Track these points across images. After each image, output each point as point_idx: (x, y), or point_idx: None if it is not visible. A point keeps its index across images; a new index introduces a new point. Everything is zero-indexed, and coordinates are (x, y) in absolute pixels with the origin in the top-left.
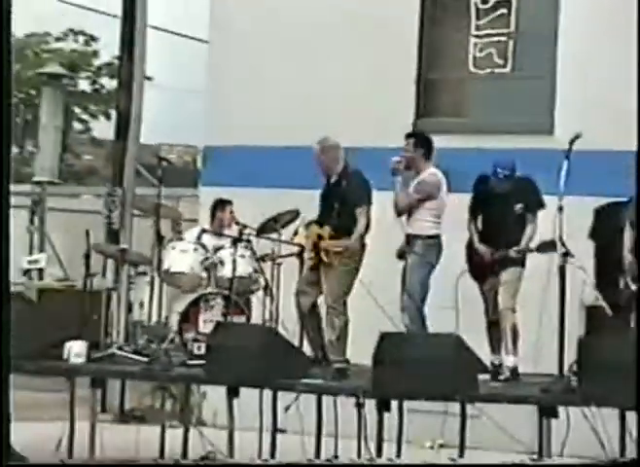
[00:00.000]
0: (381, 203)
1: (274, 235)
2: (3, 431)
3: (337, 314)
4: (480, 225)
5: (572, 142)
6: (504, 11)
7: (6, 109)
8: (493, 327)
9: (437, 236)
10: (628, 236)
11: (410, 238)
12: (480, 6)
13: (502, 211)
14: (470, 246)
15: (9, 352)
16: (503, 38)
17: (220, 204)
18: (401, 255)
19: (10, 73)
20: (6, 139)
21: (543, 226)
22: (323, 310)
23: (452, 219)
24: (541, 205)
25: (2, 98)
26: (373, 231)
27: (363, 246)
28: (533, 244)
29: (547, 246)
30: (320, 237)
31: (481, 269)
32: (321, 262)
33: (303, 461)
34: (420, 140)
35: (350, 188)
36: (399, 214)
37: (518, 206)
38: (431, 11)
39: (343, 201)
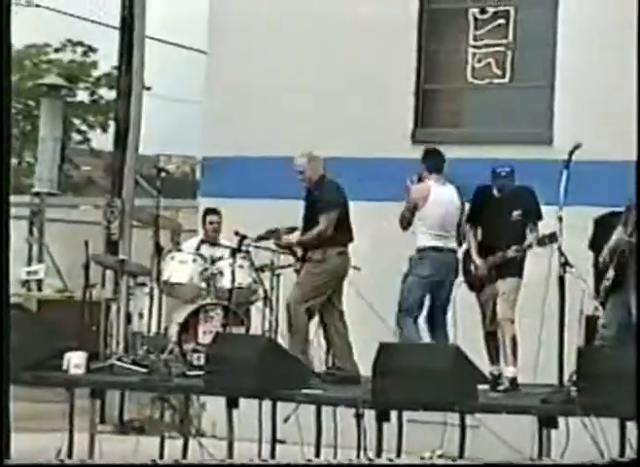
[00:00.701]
0: (381, 214)
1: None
2: (3, 431)
3: (294, 316)
4: (479, 235)
5: (572, 152)
6: (502, 21)
7: (6, 119)
8: (491, 337)
9: (429, 249)
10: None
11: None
12: (479, 16)
13: (501, 218)
14: (467, 257)
15: (9, 359)
16: (501, 48)
17: (204, 215)
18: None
19: (9, 81)
20: (6, 148)
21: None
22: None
23: None
24: (539, 216)
25: (2, 103)
26: (374, 241)
27: (340, 255)
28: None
29: (547, 239)
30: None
31: (479, 280)
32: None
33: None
34: (427, 155)
35: (319, 196)
36: (403, 229)
37: (516, 213)
38: (429, 21)
39: (312, 210)
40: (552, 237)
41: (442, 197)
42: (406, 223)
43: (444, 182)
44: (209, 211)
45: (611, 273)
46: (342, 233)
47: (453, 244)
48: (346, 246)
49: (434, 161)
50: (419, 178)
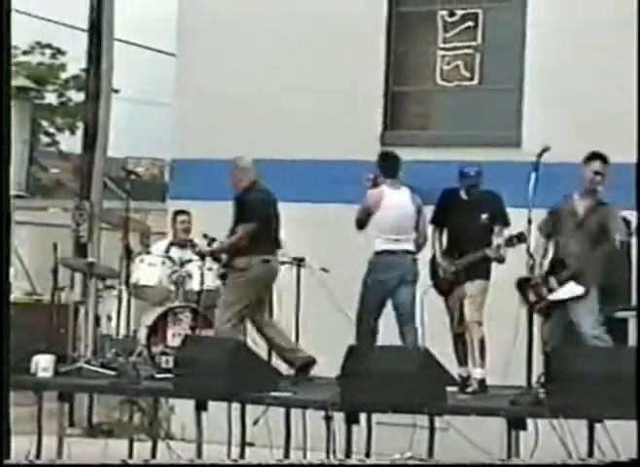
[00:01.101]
0: (350, 216)
1: None
2: (3, 432)
3: (225, 320)
4: (445, 238)
5: (540, 155)
6: (471, 24)
7: (6, 119)
8: (459, 340)
9: (384, 252)
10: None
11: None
12: (448, 19)
13: (468, 221)
14: (434, 261)
15: (9, 349)
16: (470, 51)
17: (174, 216)
18: None
19: (9, 83)
20: (5, 149)
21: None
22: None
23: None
24: (505, 220)
25: (2, 104)
26: (346, 245)
27: (263, 263)
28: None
29: (515, 239)
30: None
31: (446, 283)
32: None
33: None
34: (382, 159)
35: (242, 204)
36: (357, 227)
37: (484, 216)
38: (398, 24)
39: (235, 217)
40: (521, 237)
41: (395, 202)
42: (361, 225)
43: (399, 186)
44: (179, 212)
45: (576, 287)
46: (266, 240)
47: (409, 246)
48: (272, 254)
49: (389, 165)
50: (374, 182)
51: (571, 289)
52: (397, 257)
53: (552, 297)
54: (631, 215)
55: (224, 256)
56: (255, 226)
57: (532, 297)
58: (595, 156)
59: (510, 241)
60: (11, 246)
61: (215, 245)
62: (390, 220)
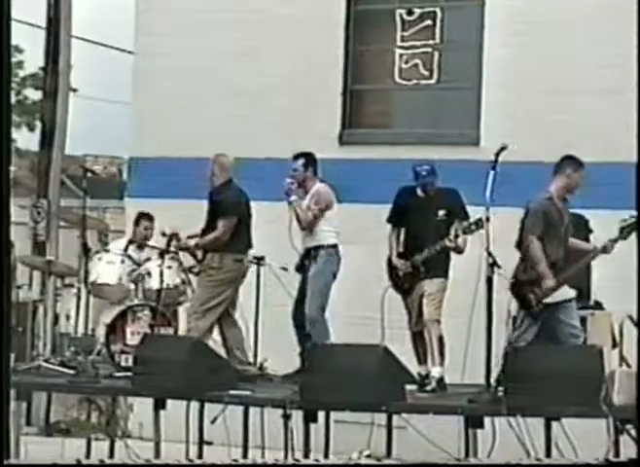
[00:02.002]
0: None
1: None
2: (3, 431)
3: (198, 318)
4: (402, 236)
5: (498, 153)
6: (429, 22)
7: (6, 118)
8: (418, 337)
9: (336, 246)
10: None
11: (312, 250)
12: (406, 17)
13: (426, 218)
14: (391, 260)
15: (9, 354)
16: (428, 49)
17: (137, 219)
18: (299, 268)
19: (9, 82)
20: (6, 148)
21: (469, 236)
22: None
23: (382, 231)
24: (466, 216)
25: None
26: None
27: (235, 262)
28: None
29: (473, 225)
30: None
31: (404, 281)
32: None
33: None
34: (309, 160)
35: (220, 200)
36: (304, 228)
37: (442, 213)
38: (356, 22)
39: (212, 213)
40: (478, 224)
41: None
42: (313, 224)
43: None
44: (143, 216)
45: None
46: (240, 239)
47: None
48: (244, 253)
49: (314, 163)
50: (302, 181)
51: (565, 292)
52: (338, 250)
53: (550, 299)
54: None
55: (199, 253)
56: (236, 220)
57: (532, 298)
58: (581, 162)
59: (468, 228)
60: (10, 244)
61: (192, 241)
62: (338, 215)
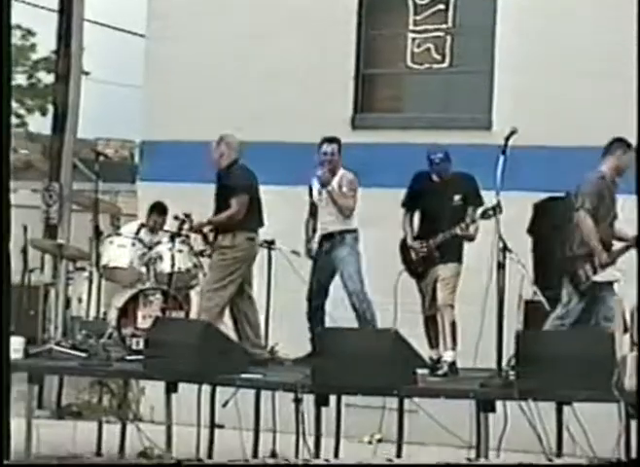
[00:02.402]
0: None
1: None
2: (3, 431)
3: (210, 299)
4: (417, 220)
5: (508, 138)
6: (441, 6)
7: (6, 117)
8: (430, 322)
9: (357, 230)
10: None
11: (338, 234)
12: (418, 1)
13: (441, 203)
14: (404, 244)
15: (9, 349)
16: (441, 33)
17: (151, 209)
18: (317, 252)
19: (10, 79)
20: (5, 146)
21: (480, 223)
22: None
23: (394, 215)
24: (480, 201)
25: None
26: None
27: (249, 240)
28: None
29: (491, 211)
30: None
31: (419, 265)
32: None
33: (241, 457)
34: (339, 144)
35: (229, 180)
36: (348, 216)
37: (457, 198)
38: (369, 6)
39: (223, 194)
40: (496, 209)
41: None
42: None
43: None
44: (158, 208)
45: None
46: (252, 218)
47: None
48: (256, 232)
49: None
50: (334, 167)
51: (612, 273)
52: None
53: (599, 278)
54: None
55: (210, 235)
56: (248, 198)
57: (582, 274)
58: (630, 145)
59: (485, 213)
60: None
61: (206, 219)
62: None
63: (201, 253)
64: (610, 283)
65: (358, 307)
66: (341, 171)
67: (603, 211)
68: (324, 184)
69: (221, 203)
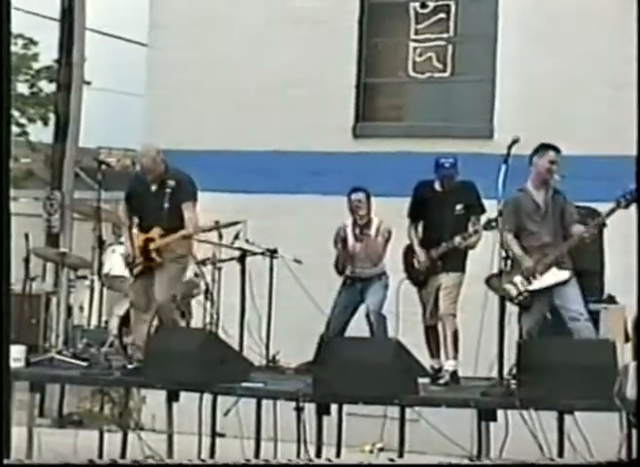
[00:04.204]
0: (321, 208)
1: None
2: (3, 431)
3: (171, 311)
4: (420, 230)
5: (510, 147)
6: (443, 15)
7: (6, 117)
8: (431, 331)
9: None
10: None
11: (368, 279)
12: (420, 10)
13: (444, 212)
14: (408, 252)
15: (9, 352)
16: (442, 42)
17: None
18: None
19: (9, 81)
20: (5, 147)
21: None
22: None
23: (394, 224)
24: (482, 209)
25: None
26: (319, 236)
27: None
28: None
29: (494, 222)
30: (149, 240)
31: (422, 274)
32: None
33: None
34: (367, 193)
35: (177, 187)
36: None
37: (459, 207)
38: (370, 15)
39: (172, 201)
40: (499, 220)
41: None
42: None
43: None
44: None
45: (562, 272)
46: None
47: None
48: None
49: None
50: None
51: (555, 274)
52: None
53: (538, 285)
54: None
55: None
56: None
57: (513, 290)
58: (548, 146)
59: (488, 224)
60: (10, 241)
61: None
62: None
63: (203, 262)
64: (561, 283)
65: (373, 321)
66: (377, 219)
67: (528, 220)
68: (361, 230)
69: (162, 211)
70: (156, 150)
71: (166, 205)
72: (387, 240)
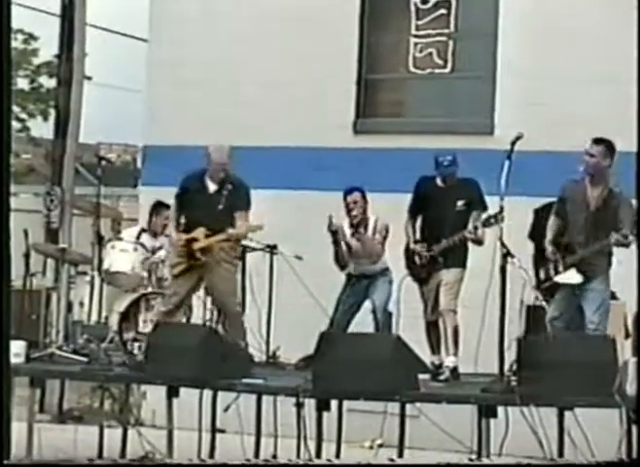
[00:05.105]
0: (322, 204)
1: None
2: (3, 431)
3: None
4: (420, 225)
5: (514, 143)
6: (444, 11)
7: (6, 118)
8: (432, 327)
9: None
10: (550, 226)
11: (371, 275)
12: (420, 6)
13: (444, 209)
14: (409, 248)
15: (9, 350)
16: (443, 38)
17: (156, 208)
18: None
19: (10, 80)
20: (6, 147)
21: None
22: None
23: (395, 220)
24: (484, 207)
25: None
26: (318, 232)
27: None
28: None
29: (493, 219)
30: (193, 240)
31: (422, 270)
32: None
33: (243, 461)
34: (363, 191)
35: (235, 192)
36: (375, 262)
37: (460, 203)
38: (371, 11)
39: (227, 204)
40: (498, 217)
41: None
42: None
43: None
44: (161, 205)
45: (575, 274)
46: None
47: None
48: None
49: None
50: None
51: (571, 276)
52: None
53: (557, 279)
54: None
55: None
56: None
57: (542, 274)
58: (592, 140)
59: (487, 221)
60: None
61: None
62: None
63: None
64: (570, 286)
65: (379, 318)
66: (373, 217)
67: (572, 215)
68: (356, 229)
69: (224, 213)
70: (229, 146)
71: (220, 207)
72: (385, 238)
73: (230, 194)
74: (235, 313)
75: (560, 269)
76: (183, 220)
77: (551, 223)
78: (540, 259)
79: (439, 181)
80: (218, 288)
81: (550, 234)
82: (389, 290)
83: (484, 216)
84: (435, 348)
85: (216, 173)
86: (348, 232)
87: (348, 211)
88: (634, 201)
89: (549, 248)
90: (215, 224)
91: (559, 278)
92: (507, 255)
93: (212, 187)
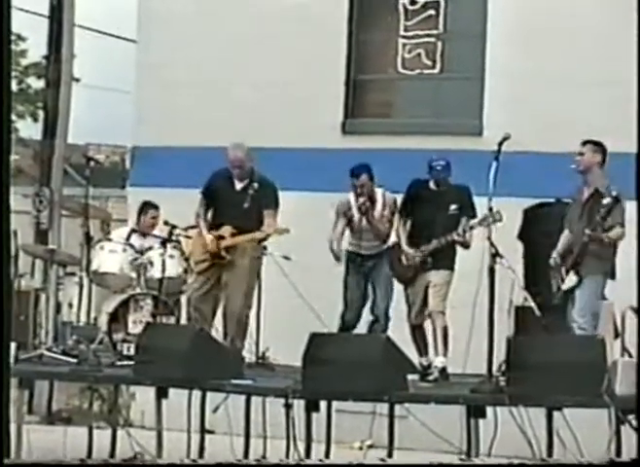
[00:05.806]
0: (311, 204)
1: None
2: (3, 431)
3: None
4: (409, 227)
5: (501, 143)
6: (432, 12)
7: (6, 118)
8: (417, 330)
9: None
10: (565, 237)
11: (377, 256)
12: (409, 7)
13: (437, 211)
14: (395, 249)
15: (9, 351)
16: (431, 39)
17: (143, 208)
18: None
19: (10, 80)
20: (6, 147)
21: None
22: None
23: None
24: (474, 213)
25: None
26: (306, 233)
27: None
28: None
29: (490, 218)
30: (219, 238)
31: (408, 270)
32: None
33: (232, 462)
34: (371, 170)
35: (262, 191)
36: (384, 241)
37: (453, 207)
38: (359, 12)
39: (253, 202)
40: (496, 217)
41: None
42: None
43: None
44: (149, 205)
45: (573, 276)
46: None
47: None
48: None
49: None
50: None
51: (570, 279)
52: None
53: (563, 286)
54: None
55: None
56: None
57: (554, 287)
58: (581, 142)
59: (484, 220)
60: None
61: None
62: None
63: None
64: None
65: (378, 327)
66: (379, 193)
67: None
68: (364, 213)
69: (248, 213)
70: (247, 146)
71: (246, 205)
72: (393, 212)
73: (256, 192)
74: (241, 313)
75: (564, 276)
76: (209, 217)
77: (562, 236)
78: (545, 269)
79: (432, 184)
80: (232, 284)
81: (560, 247)
82: (390, 278)
83: (482, 215)
84: (422, 351)
85: (235, 171)
86: (356, 208)
87: (357, 195)
88: (632, 202)
89: (557, 259)
90: (241, 222)
91: (565, 287)
92: (496, 255)
93: (238, 185)
